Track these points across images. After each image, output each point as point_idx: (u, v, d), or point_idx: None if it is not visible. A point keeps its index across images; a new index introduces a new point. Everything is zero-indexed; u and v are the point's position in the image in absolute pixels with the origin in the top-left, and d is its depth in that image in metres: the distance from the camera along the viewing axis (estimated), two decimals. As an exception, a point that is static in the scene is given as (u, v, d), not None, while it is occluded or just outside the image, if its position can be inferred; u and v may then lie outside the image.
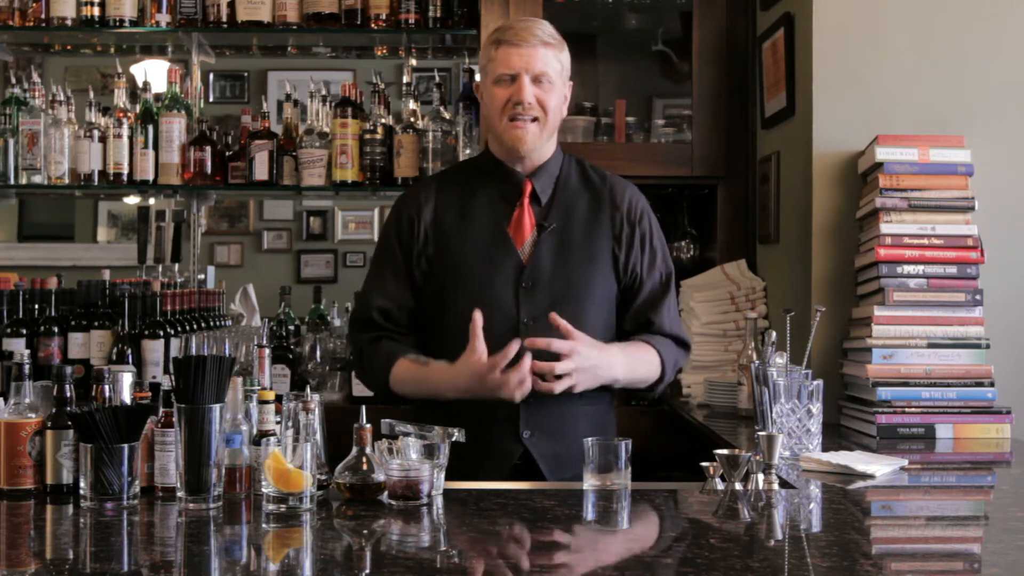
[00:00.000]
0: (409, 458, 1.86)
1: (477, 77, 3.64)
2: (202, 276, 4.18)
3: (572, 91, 2.44)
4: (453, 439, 1.93)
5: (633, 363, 2.33)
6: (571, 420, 2.29)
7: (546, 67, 2.31)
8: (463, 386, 2.22)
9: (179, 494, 1.80)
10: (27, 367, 1.94)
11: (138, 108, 3.68)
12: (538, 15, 3.44)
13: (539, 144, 2.35)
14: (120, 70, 3.81)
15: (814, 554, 1.59)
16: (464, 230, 2.38)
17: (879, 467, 2.13)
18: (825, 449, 2.30)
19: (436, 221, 2.40)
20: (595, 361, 2.23)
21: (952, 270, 2.68)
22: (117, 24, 3.66)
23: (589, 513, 1.86)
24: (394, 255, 2.42)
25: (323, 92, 3.73)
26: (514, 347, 2.16)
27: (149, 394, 1.95)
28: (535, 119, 2.32)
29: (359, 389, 3.39)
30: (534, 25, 2.35)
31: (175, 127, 3.65)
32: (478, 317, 2.18)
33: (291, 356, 3.51)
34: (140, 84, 3.81)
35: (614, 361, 2.29)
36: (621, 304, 2.42)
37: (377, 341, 2.39)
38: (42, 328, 3.39)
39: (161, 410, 1.88)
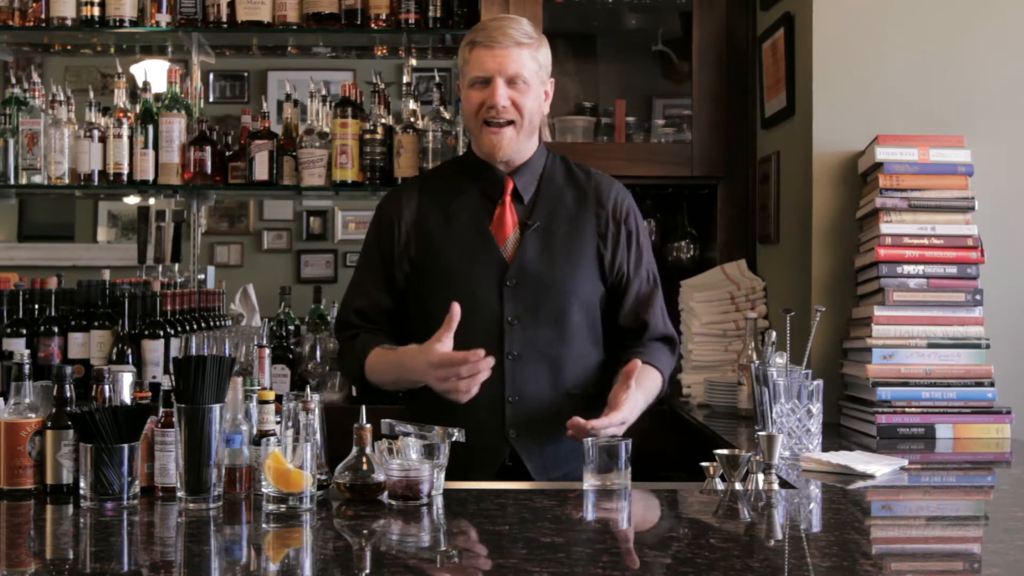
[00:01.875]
0: (409, 458, 1.86)
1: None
2: (202, 276, 4.18)
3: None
4: (453, 439, 1.93)
5: (649, 396, 2.33)
6: (556, 420, 2.24)
7: (521, 68, 2.28)
8: (418, 371, 2.21)
9: (179, 494, 1.80)
10: (27, 367, 1.94)
11: (138, 108, 3.68)
12: (538, 15, 3.45)
13: (516, 148, 2.34)
14: (120, 70, 3.81)
15: (814, 554, 1.59)
16: (446, 230, 2.37)
17: (879, 467, 2.13)
18: (825, 449, 2.30)
19: (418, 222, 2.40)
20: (626, 417, 2.20)
21: (952, 270, 2.68)
22: (117, 24, 3.66)
23: (589, 513, 1.86)
24: (372, 258, 2.43)
25: (323, 92, 3.73)
26: (481, 353, 2.12)
27: (149, 394, 1.96)
28: (511, 122, 2.30)
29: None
30: (508, 24, 2.31)
31: (175, 127, 3.65)
32: (456, 310, 2.17)
33: (291, 356, 3.51)
34: (140, 84, 3.81)
35: (638, 405, 2.26)
36: (609, 303, 2.42)
37: (355, 337, 2.41)
38: (42, 328, 3.39)
39: (161, 410, 1.88)
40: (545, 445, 2.30)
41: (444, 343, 2.16)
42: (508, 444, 2.30)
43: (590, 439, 1.96)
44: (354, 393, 3.41)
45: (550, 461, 2.30)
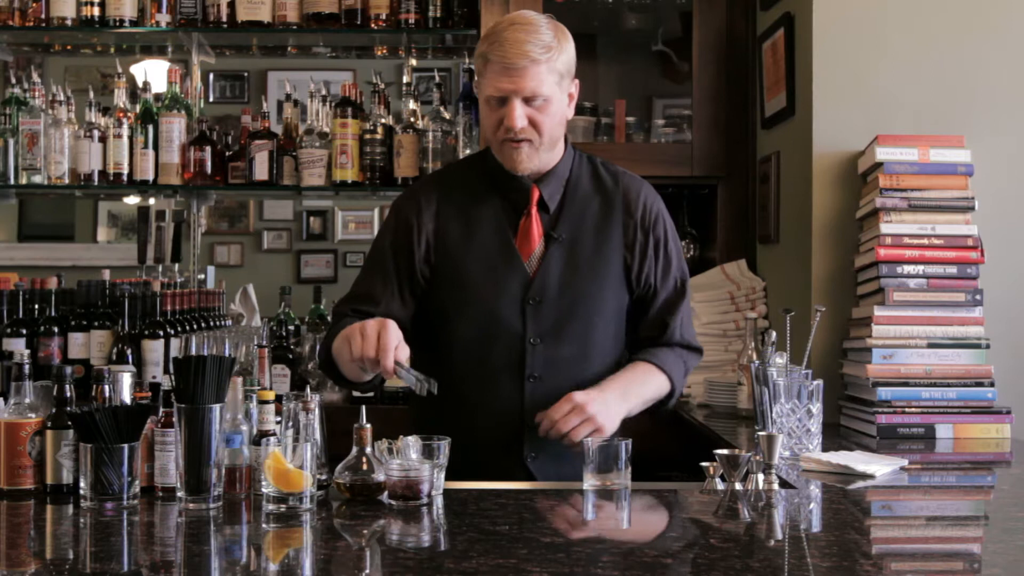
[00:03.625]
0: (409, 458, 1.86)
1: (477, 77, 3.67)
2: (202, 276, 4.19)
3: (578, 89, 2.28)
4: (427, 390, 1.96)
5: (638, 387, 2.24)
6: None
7: (539, 87, 2.14)
8: (351, 346, 2.03)
9: (179, 494, 1.80)
10: (27, 367, 1.94)
11: (138, 108, 3.68)
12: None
13: (537, 162, 2.22)
14: (120, 70, 3.81)
15: (814, 554, 1.59)
16: (468, 241, 2.24)
17: (879, 467, 2.13)
18: (825, 449, 2.30)
19: (439, 230, 2.26)
20: (595, 397, 2.13)
21: (952, 270, 2.68)
22: (117, 24, 3.66)
23: (589, 513, 1.86)
24: (386, 262, 2.28)
25: (323, 92, 3.73)
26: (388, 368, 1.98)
27: (149, 394, 1.95)
28: (529, 140, 2.18)
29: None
30: (525, 38, 2.13)
31: (175, 127, 3.65)
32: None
33: (291, 356, 3.51)
34: (140, 84, 3.81)
35: (614, 391, 2.18)
36: (634, 312, 2.33)
37: (345, 316, 2.24)
38: (42, 328, 3.39)
39: (161, 410, 1.88)
40: (563, 467, 2.17)
41: (401, 346, 1.99)
42: (524, 466, 2.22)
43: (589, 439, 1.95)
44: (354, 392, 3.41)
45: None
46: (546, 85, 2.15)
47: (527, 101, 2.15)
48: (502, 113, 2.17)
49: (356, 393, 3.38)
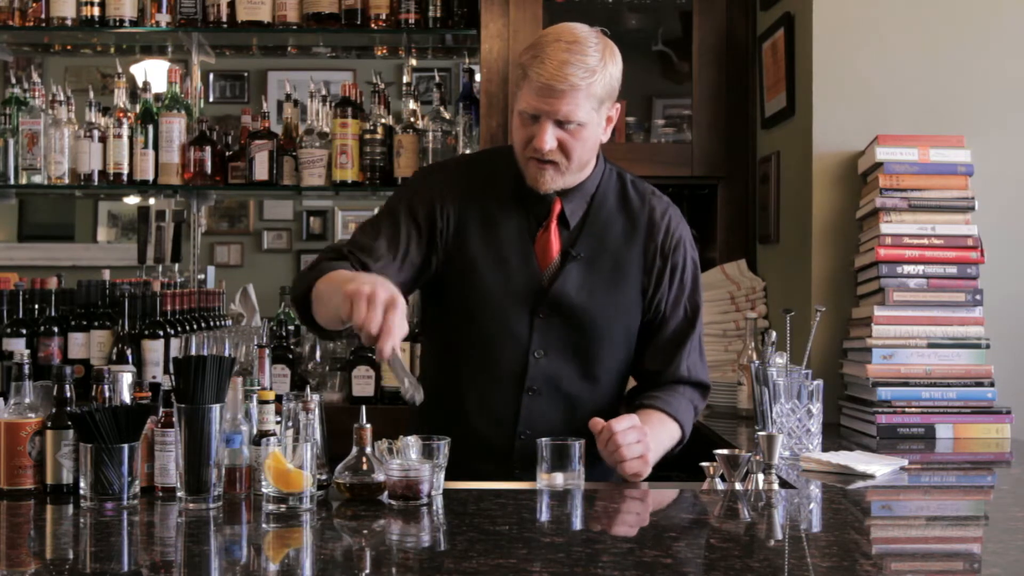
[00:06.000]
0: (409, 458, 1.86)
1: (477, 77, 3.67)
2: (202, 276, 4.19)
3: (619, 112, 2.18)
4: (412, 396, 1.85)
5: (660, 437, 2.14)
6: (573, 424, 2.16)
7: (573, 112, 2.04)
8: (358, 280, 1.87)
9: (179, 494, 1.80)
10: (27, 367, 1.94)
11: (138, 108, 3.68)
12: (538, 15, 3.45)
13: (560, 183, 2.13)
14: (120, 70, 3.81)
15: (814, 554, 1.60)
16: (484, 246, 2.17)
17: (879, 467, 2.13)
18: (825, 449, 2.30)
19: (459, 221, 2.17)
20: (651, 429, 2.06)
21: (952, 270, 2.68)
22: (117, 24, 3.66)
23: (588, 513, 1.86)
24: (398, 225, 2.16)
25: (323, 92, 3.73)
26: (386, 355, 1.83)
27: (149, 394, 1.95)
28: (555, 162, 2.10)
29: (359, 389, 3.39)
30: (568, 59, 2.03)
31: (175, 127, 3.65)
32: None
33: (291, 356, 3.51)
34: (140, 84, 3.81)
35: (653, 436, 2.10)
36: (641, 339, 2.25)
37: (337, 260, 2.11)
38: (42, 328, 3.39)
39: (161, 410, 1.88)
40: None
41: (402, 327, 1.81)
42: (512, 477, 2.17)
43: (544, 439, 1.95)
44: (353, 392, 3.41)
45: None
46: (582, 111, 2.06)
47: (560, 124, 2.07)
48: (533, 130, 2.09)
49: (356, 393, 3.39)
